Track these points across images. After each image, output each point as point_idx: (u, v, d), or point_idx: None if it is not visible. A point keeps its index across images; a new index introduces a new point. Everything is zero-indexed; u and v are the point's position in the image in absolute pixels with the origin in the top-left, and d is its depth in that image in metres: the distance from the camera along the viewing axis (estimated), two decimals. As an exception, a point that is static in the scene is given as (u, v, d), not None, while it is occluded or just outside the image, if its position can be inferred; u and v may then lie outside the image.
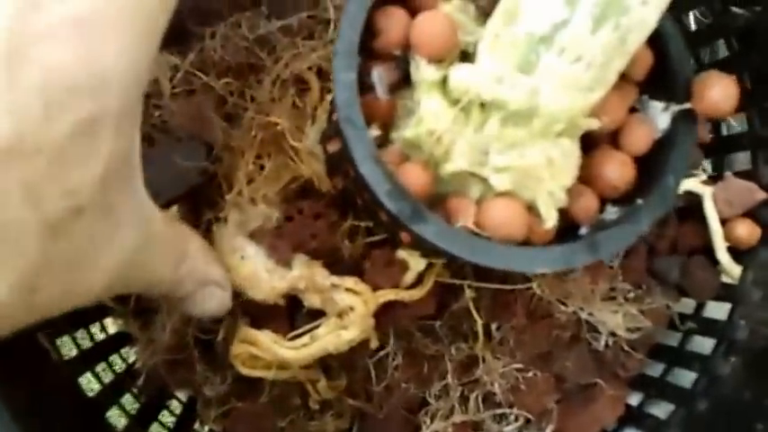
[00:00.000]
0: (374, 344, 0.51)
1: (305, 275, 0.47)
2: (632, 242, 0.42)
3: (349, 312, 0.48)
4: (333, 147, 0.47)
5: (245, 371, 0.50)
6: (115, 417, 0.48)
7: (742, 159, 0.58)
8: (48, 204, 0.28)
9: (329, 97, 0.52)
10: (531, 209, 0.42)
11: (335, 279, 0.48)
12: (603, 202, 0.45)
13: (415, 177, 0.40)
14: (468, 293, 0.54)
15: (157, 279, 0.38)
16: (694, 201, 0.56)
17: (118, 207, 0.32)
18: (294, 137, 0.51)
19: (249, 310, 0.51)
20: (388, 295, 0.49)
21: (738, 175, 0.55)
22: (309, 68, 0.53)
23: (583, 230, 0.44)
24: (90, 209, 0.30)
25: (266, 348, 0.48)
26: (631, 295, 0.56)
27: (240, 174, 0.50)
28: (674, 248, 0.58)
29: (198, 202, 0.52)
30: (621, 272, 0.56)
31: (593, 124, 0.41)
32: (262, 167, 0.52)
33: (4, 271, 0.27)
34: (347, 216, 0.51)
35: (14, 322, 0.30)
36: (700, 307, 0.58)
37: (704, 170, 0.58)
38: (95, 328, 0.56)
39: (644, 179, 0.44)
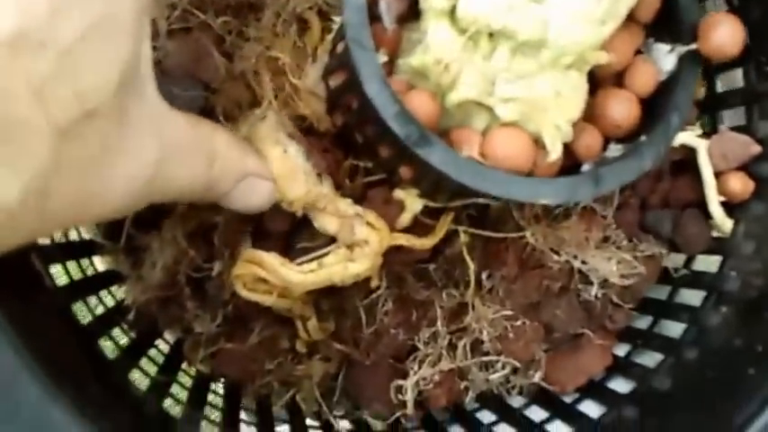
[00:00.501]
0: (375, 283, 0.51)
1: (330, 195, 0.46)
2: (635, 178, 0.42)
3: (363, 245, 0.47)
4: (335, 80, 0.47)
5: (244, 293, 0.49)
6: (107, 347, 0.48)
7: (735, 116, 0.58)
8: (58, 105, 0.27)
9: (329, 37, 0.51)
10: (536, 142, 0.42)
11: (359, 209, 0.47)
12: (607, 141, 0.45)
13: (421, 105, 0.40)
14: (463, 238, 0.54)
15: (189, 185, 0.37)
16: (688, 156, 0.56)
17: (133, 114, 0.31)
18: (295, 74, 0.51)
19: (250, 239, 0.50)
20: (401, 239, 0.49)
21: (733, 130, 0.55)
22: (310, 8, 0.53)
23: (585, 168, 0.44)
24: (103, 113, 0.29)
25: (273, 270, 0.47)
26: (624, 243, 0.56)
27: (266, 86, 0.50)
28: (666, 203, 0.58)
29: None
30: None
31: (603, 58, 0.41)
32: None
33: (15, 171, 0.27)
34: (347, 156, 0.51)
35: (28, 231, 0.30)
36: (689, 260, 0.58)
37: (700, 125, 0.58)
38: (85, 263, 0.55)
39: (647, 119, 0.44)
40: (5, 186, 0.27)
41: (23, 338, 0.34)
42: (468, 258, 0.54)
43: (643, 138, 0.43)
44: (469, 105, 0.41)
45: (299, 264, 0.48)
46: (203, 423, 0.50)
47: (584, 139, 0.43)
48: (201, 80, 0.51)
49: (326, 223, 0.47)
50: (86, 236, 0.56)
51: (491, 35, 0.40)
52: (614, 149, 0.44)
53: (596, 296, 0.56)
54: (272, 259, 0.48)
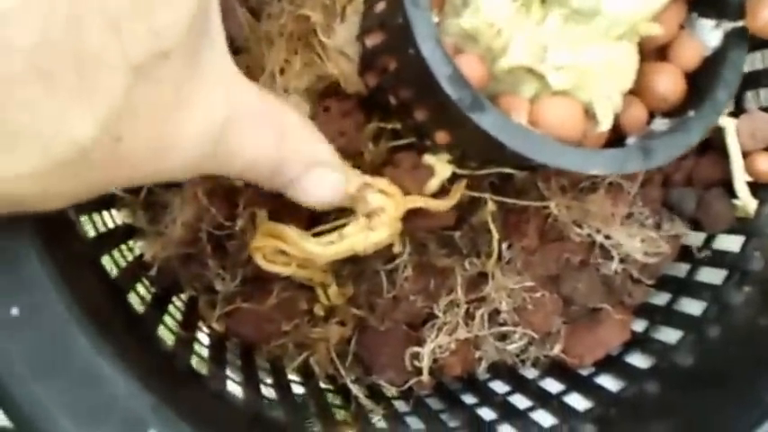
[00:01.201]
0: (398, 249, 0.50)
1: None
2: (684, 152, 0.41)
3: (379, 213, 0.47)
4: (372, 40, 0.46)
5: (264, 264, 0.49)
6: (135, 302, 0.47)
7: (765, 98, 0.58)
8: (133, 41, 0.27)
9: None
10: (586, 112, 0.41)
11: (369, 178, 0.46)
12: (651, 115, 0.44)
13: (472, 68, 0.39)
14: (490, 206, 0.53)
15: (256, 160, 0.35)
16: (714, 134, 0.56)
17: (205, 63, 0.31)
18: (324, 33, 0.50)
19: (270, 204, 0.50)
20: (417, 201, 0.48)
21: (763, 111, 0.55)
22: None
23: (630, 141, 0.44)
24: (176, 55, 0.29)
25: (293, 243, 0.47)
26: (649, 221, 0.56)
27: (272, 57, 0.49)
28: (689, 181, 0.58)
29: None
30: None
31: (654, 29, 0.41)
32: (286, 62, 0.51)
33: (90, 105, 0.26)
34: (371, 119, 0.50)
35: (100, 176, 0.29)
36: (709, 239, 0.58)
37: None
38: (107, 216, 0.54)
39: (692, 95, 0.44)
40: (81, 120, 0.26)
41: (70, 289, 0.33)
42: (492, 227, 0.54)
43: (691, 113, 0.42)
44: (519, 72, 0.41)
45: (315, 235, 0.48)
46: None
47: (631, 112, 0.43)
48: (228, 34, 0.50)
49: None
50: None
51: (543, 1, 0.40)
52: (659, 123, 0.44)
53: (616, 271, 0.56)
54: (291, 232, 0.47)
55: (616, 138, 0.44)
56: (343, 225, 0.48)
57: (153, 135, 0.29)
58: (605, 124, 0.41)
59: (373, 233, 0.47)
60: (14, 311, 0.32)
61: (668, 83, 0.43)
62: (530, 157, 0.38)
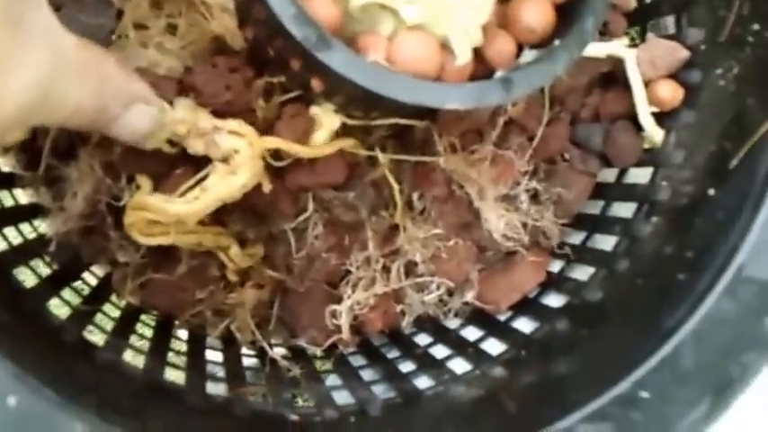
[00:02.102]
0: (267, 187, 0.48)
1: (186, 118, 0.45)
2: (547, 83, 0.41)
3: (234, 156, 0.45)
4: (241, -10, 0.45)
5: (142, 239, 0.48)
6: (25, 277, 0.47)
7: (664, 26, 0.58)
8: None
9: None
10: (445, 47, 0.40)
11: (217, 121, 0.45)
12: (521, 48, 0.44)
13: (321, 7, 0.38)
14: (382, 160, 0.52)
15: (80, 106, 0.36)
16: (617, 68, 0.56)
17: (27, 23, 0.31)
18: (206, -9, 0.49)
19: (149, 169, 0.49)
20: (275, 143, 0.46)
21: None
22: None
23: (498, 75, 0.43)
24: None
25: (158, 209, 0.46)
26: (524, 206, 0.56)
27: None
28: (596, 117, 0.58)
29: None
30: (542, 141, 0.55)
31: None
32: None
33: None
34: (261, 75, 0.49)
35: None
36: (621, 174, 0.58)
37: (630, 39, 0.57)
38: (4, 194, 0.54)
39: (563, 25, 0.43)
40: None
41: None
42: (392, 180, 0.53)
43: (557, 42, 0.42)
44: (375, 9, 0.40)
45: (182, 195, 0.47)
46: (129, 351, 0.49)
47: (496, 45, 0.42)
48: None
49: (194, 145, 0.45)
50: (5, 168, 0.54)
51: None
52: (528, 55, 0.43)
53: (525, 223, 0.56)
54: (155, 199, 0.46)
55: (487, 73, 0.43)
56: (205, 177, 0.47)
57: None
58: (462, 58, 0.40)
59: (235, 177, 0.45)
60: None
61: (535, 13, 0.42)
62: (382, 94, 0.37)
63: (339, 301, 0.57)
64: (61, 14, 0.47)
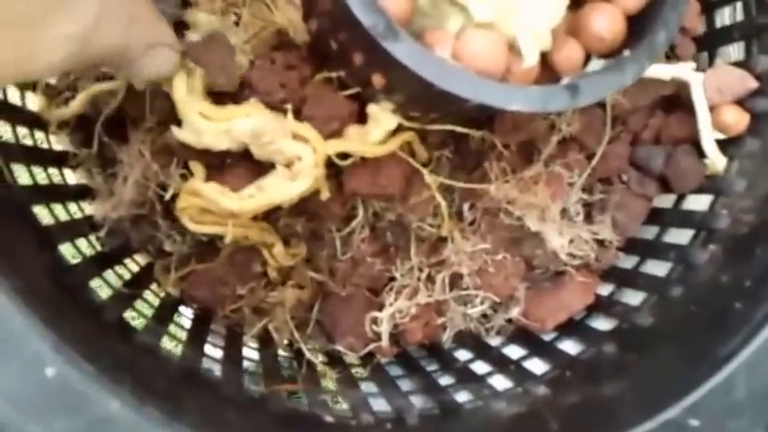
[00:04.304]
0: (324, 195, 0.48)
1: (268, 131, 0.44)
2: (614, 91, 0.40)
3: (296, 162, 0.45)
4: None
5: (192, 226, 0.47)
6: (68, 252, 0.46)
7: (734, 54, 0.56)
8: None
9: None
10: (513, 48, 0.40)
11: (289, 121, 0.45)
12: (589, 57, 0.43)
13: (394, 1, 0.38)
14: (428, 179, 0.51)
15: (111, 46, 0.36)
16: (681, 92, 0.54)
17: None
18: (273, -16, 0.49)
19: (205, 159, 0.48)
20: (339, 146, 0.46)
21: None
22: None
23: (564, 81, 0.42)
24: None
25: (210, 200, 0.45)
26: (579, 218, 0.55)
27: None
28: (657, 140, 0.56)
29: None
30: (601, 159, 0.54)
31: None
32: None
33: None
34: (319, 71, 0.49)
35: None
36: (679, 200, 0.56)
37: (695, 60, 0.56)
38: (54, 172, 0.54)
39: (633, 36, 0.42)
40: None
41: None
42: (440, 198, 0.52)
43: (626, 53, 0.41)
44: (444, 5, 0.39)
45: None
46: (166, 338, 0.49)
47: (564, 51, 0.41)
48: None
49: (258, 150, 0.45)
50: (58, 147, 0.54)
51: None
52: (596, 65, 0.42)
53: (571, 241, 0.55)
54: (210, 189, 0.46)
55: (552, 80, 0.42)
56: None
57: (22, 40, 0.30)
58: (530, 60, 0.39)
59: (294, 183, 0.45)
60: None
61: (606, 22, 0.41)
62: (444, 88, 0.36)
63: (380, 308, 0.56)
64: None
